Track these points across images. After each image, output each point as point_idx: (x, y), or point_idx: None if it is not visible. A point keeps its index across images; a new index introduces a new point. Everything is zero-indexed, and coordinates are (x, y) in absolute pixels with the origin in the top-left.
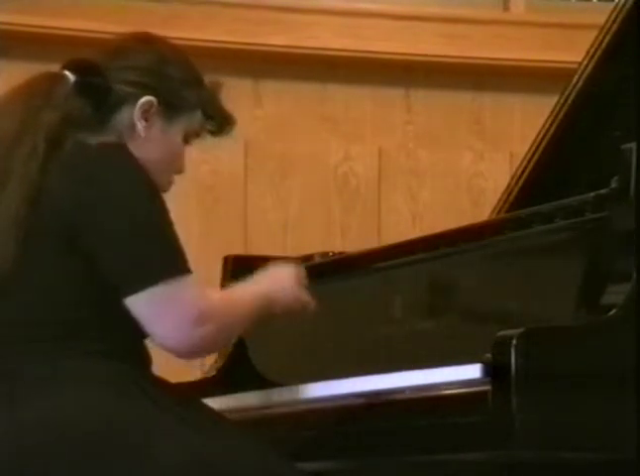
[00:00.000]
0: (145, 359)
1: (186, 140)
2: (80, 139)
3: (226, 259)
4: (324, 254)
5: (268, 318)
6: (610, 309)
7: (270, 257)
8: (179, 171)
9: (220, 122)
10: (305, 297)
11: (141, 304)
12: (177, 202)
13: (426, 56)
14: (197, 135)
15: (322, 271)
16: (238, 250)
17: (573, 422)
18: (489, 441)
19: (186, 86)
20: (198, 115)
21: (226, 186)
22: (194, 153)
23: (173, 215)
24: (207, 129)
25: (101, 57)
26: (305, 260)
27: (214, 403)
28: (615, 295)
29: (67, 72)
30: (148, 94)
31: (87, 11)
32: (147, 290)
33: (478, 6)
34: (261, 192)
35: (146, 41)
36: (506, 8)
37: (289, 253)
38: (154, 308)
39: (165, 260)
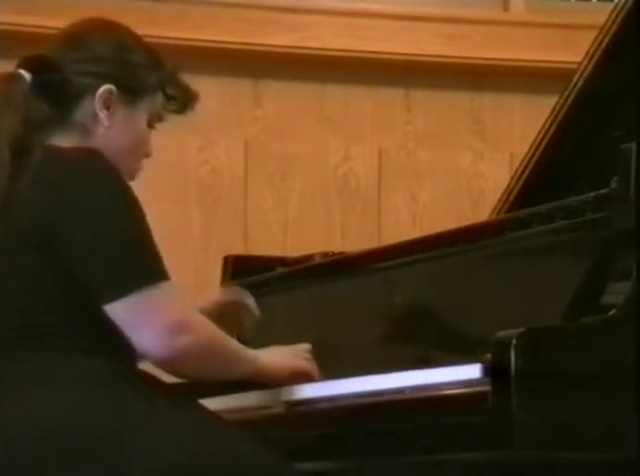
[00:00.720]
0: (132, 356)
1: (150, 124)
2: (47, 142)
3: (226, 259)
4: (324, 254)
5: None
6: (610, 309)
7: (270, 257)
8: (147, 155)
9: (182, 100)
10: (305, 367)
11: (119, 312)
12: (177, 202)
13: (426, 56)
14: (160, 118)
15: (322, 271)
16: (238, 250)
17: (573, 422)
18: (489, 441)
19: (146, 70)
20: (159, 97)
21: (226, 186)
22: (194, 153)
23: (174, 215)
24: (171, 109)
25: (56, 49)
26: (305, 260)
27: (213, 403)
28: (615, 295)
29: (23, 71)
30: (107, 83)
31: (87, 11)
32: (124, 297)
33: (477, 6)
34: (261, 192)
35: (101, 28)
36: (506, 8)
37: (289, 253)
38: (132, 316)
39: (143, 267)
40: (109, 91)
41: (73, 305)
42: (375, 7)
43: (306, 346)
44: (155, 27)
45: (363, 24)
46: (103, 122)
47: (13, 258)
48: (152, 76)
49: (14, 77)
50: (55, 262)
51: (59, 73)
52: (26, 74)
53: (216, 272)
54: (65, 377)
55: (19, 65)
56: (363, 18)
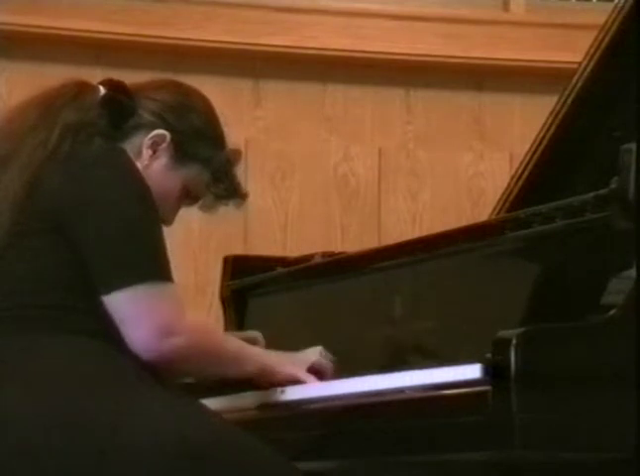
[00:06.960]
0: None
1: (185, 193)
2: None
3: (226, 259)
4: (324, 254)
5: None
6: (610, 309)
7: (270, 257)
8: (165, 221)
9: (228, 188)
10: (307, 380)
11: (117, 303)
12: None
13: (426, 56)
14: (196, 198)
15: (322, 271)
16: (238, 250)
17: (573, 422)
18: (489, 441)
19: (203, 139)
20: (205, 175)
21: None
22: None
23: None
24: (215, 193)
25: (146, 84)
26: (305, 260)
27: (213, 403)
28: (615, 294)
29: (100, 86)
30: (164, 129)
31: (87, 11)
32: (125, 288)
33: (477, 6)
34: (261, 192)
35: (199, 96)
36: (506, 8)
37: (289, 253)
38: (128, 308)
39: (147, 263)
40: (162, 136)
41: (77, 291)
42: (375, 7)
43: (318, 348)
44: (155, 27)
45: (363, 24)
46: (143, 160)
47: (28, 239)
48: (206, 148)
49: (89, 86)
50: (67, 247)
51: (131, 101)
52: (101, 89)
53: (216, 272)
54: (68, 359)
55: (100, 82)
56: (363, 18)
